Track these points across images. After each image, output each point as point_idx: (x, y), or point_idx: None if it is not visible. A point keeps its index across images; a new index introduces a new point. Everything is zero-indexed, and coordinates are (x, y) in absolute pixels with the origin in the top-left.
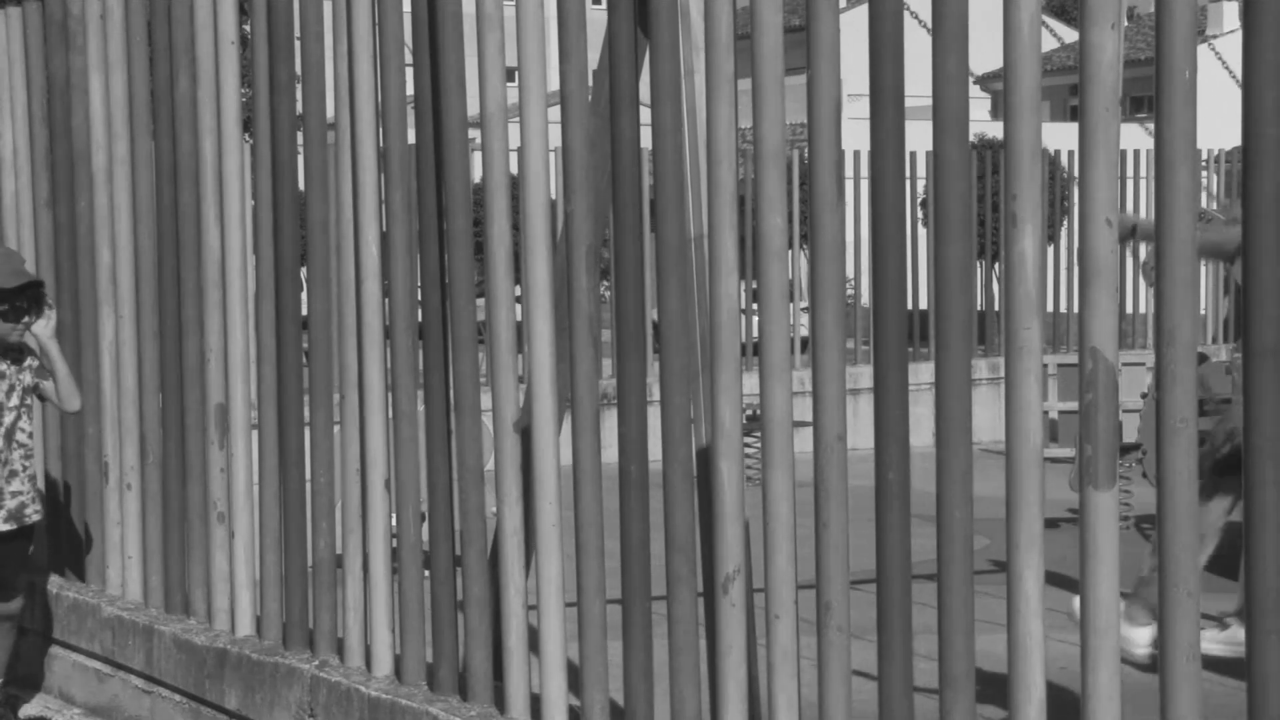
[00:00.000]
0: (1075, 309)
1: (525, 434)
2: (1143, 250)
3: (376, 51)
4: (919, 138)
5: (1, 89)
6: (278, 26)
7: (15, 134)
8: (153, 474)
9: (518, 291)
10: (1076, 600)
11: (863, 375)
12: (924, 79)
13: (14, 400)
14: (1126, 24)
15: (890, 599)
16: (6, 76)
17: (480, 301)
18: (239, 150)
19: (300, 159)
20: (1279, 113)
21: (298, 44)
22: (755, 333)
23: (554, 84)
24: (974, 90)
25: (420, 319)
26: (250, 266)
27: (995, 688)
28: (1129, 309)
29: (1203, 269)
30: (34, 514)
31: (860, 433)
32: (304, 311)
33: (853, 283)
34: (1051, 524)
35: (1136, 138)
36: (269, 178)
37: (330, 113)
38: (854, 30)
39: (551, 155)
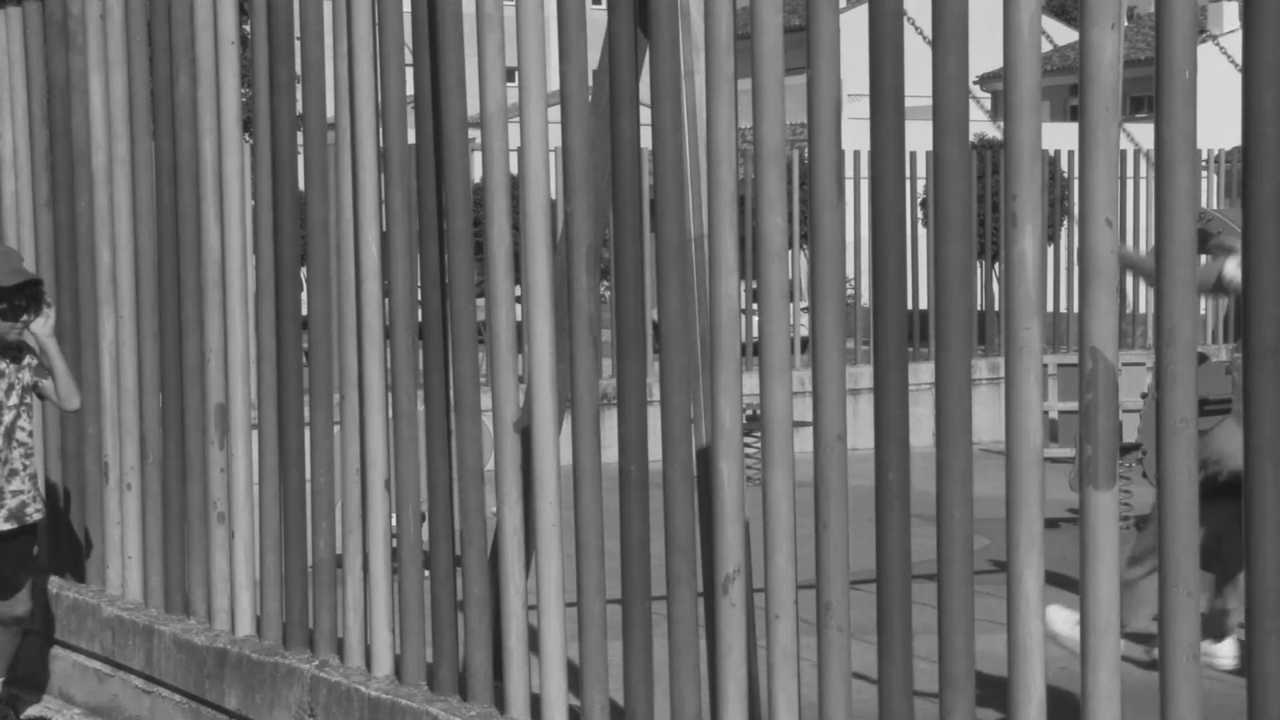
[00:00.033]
0: (1075, 309)
1: (525, 434)
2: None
3: (376, 51)
4: (919, 138)
5: (1, 89)
6: (278, 26)
7: (15, 134)
8: (153, 474)
9: (518, 291)
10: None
11: (863, 375)
12: (924, 79)
13: (13, 399)
14: (1126, 24)
15: (890, 599)
16: (6, 76)
17: (480, 301)
18: (239, 150)
19: (300, 159)
20: (1279, 113)
21: (298, 44)
22: (755, 333)
23: (554, 84)
24: (974, 90)
25: (420, 319)
26: (250, 266)
27: (994, 689)
28: (1129, 309)
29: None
30: (35, 513)
31: (860, 433)
32: (304, 311)
33: (853, 283)
34: (1051, 524)
35: (1140, 137)
36: (269, 178)
37: (330, 113)
38: (854, 30)
39: (551, 155)
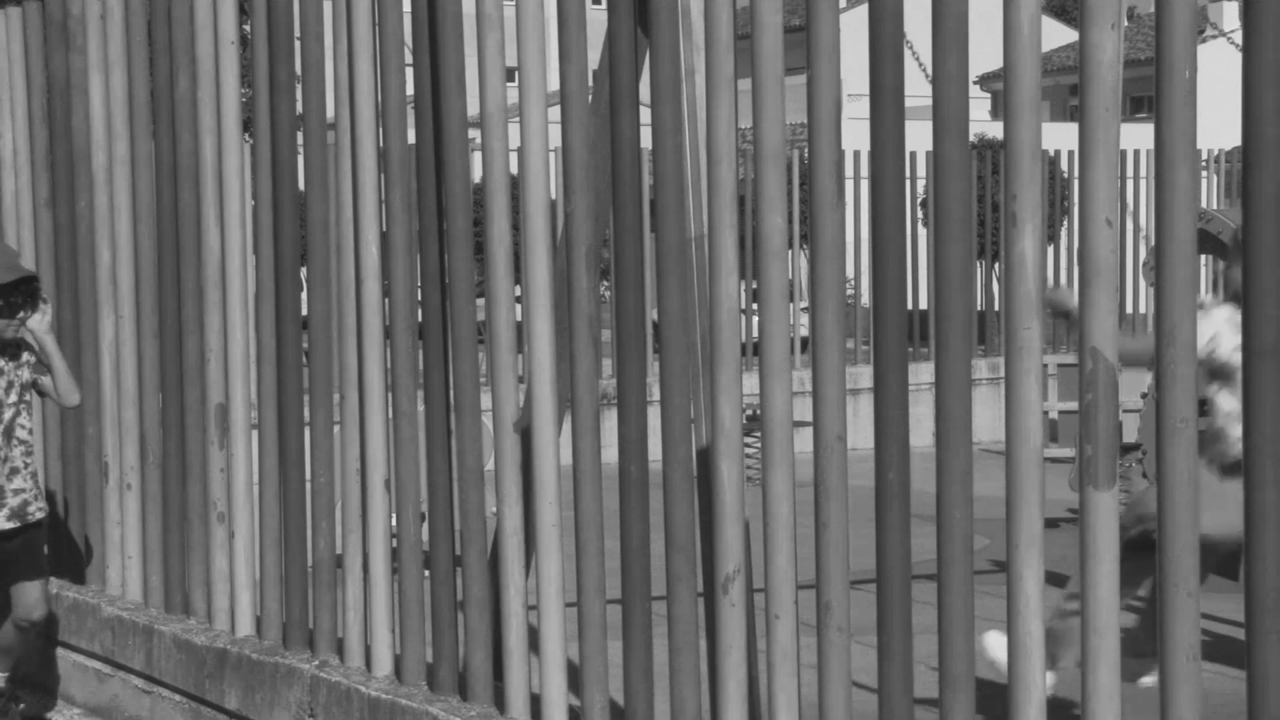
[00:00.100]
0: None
1: (525, 434)
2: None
3: (376, 51)
4: (919, 138)
5: (1, 89)
6: (278, 26)
7: (15, 134)
8: (153, 474)
9: (518, 291)
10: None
11: (863, 375)
12: (924, 79)
13: (13, 396)
14: (1126, 24)
15: (890, 599)
16: (6, 76)
17: (480, 301)
18: (239, 150)
19: (300, 159)
20: (1279, 113)
21: (298, 44)
22: (755, 333)
23: (554, 84)
24: (974, 90)
25: (420, 319)
26: (250, 266)
27: (993, 688)
28: (1129, 309)
29: (1202, 268)
30: (38, 511)
31: (860, 433)
32: (304, 311)
33: (853, 283)
34: (1051, 524)
35: (1140, 137)
36: (269, 178)
37: (330, 113)
38: (854, 30)
39: (551, 155)
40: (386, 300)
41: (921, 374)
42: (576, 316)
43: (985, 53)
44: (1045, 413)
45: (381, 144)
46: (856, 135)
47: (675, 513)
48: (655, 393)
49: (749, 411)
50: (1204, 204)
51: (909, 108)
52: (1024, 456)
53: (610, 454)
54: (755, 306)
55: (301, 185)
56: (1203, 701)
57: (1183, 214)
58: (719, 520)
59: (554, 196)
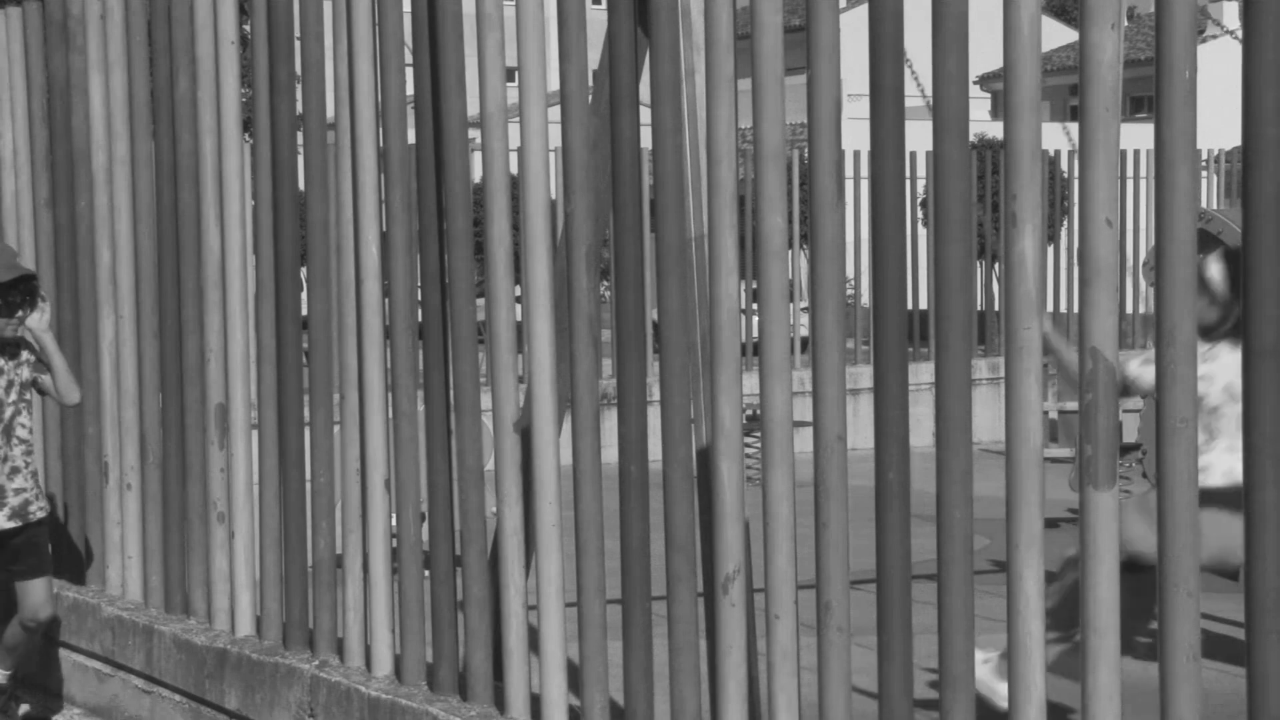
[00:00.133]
0: (1075, 309)
1: (525, 434)
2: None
3: (376, 51)
4: (919, 138)
5: (1, 89)
6: (278, 26)
7: (15, 134)
8: (153, 474)
9: (518, 291)
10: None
11: (863, 375)
12: (924, 79)
13: (12, 395)
14: (1126, 24)
15: (890, 599)
16: (6, 76)
17: (480, 301)
18: (239, 150)
19: (300, 159)
20: (1279, 113)
21: (298, 44)
22: (755, 333)
23: (554, 84)
24: (974, 90)
25: (420, 319)
26: (250, 266)
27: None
28: (1129, 309)
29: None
30: (39, 510)
31: (860, 433)
32: (304, 311)
33: (853, 283)
34: (1051, 524)
35: (1140, 137)
36: (269, 178)
37: (330, 113)
38: (854, 30)
39: (551, 155)
40: (386, 300)
41: (921, 374)
42: (576, 316)
43: (985, 53)
44: (1045, 413)
45: (381, 144)
46: (856, 135)
47: (675, 513)
48: (655, 393)
49: (749, 411)
50: (1204, 204)
51: (909, 108)
52: (1024, 456)
53: (610, 454)
54: (755, 306)
55: (301, 185)
56: (1203, 701)
57: (1183, 214)
58: (719, 520)
59: (554, 196)
